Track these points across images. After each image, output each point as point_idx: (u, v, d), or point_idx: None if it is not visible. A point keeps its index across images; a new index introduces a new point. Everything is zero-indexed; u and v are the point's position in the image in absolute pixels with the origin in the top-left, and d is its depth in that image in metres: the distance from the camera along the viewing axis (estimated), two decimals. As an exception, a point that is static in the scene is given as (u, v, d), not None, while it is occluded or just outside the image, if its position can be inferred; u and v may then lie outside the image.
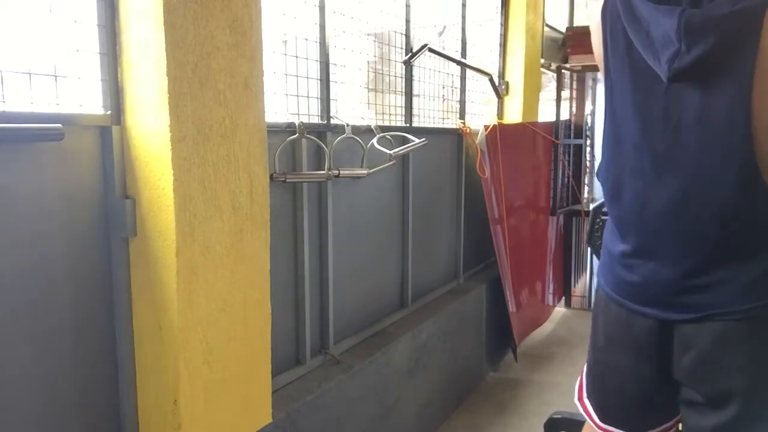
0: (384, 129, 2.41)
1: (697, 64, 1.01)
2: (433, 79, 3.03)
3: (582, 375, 1.47)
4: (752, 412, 1.16)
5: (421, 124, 2.90)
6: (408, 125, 2.75)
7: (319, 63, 2.10)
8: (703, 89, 1.05)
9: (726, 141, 1.05)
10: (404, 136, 2.52)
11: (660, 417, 1.35)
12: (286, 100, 1.98)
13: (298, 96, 2.02)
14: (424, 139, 2.56)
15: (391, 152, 2.33)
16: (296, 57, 2.01)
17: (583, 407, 1.45)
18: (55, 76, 1.31)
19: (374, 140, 2.29)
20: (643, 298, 1.23)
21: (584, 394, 1.45)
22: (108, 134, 1.39)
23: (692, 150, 1.10)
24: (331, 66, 2.14)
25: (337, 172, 2.08)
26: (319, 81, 2.12)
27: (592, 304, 1.42)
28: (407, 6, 2.66)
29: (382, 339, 2.48)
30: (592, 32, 1.26)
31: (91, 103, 1.38)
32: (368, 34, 2.52)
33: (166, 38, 1.31)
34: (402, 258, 2.76)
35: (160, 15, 1.30)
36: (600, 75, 1.28)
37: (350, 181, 2.29)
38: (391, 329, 2.59)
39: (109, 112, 1.39)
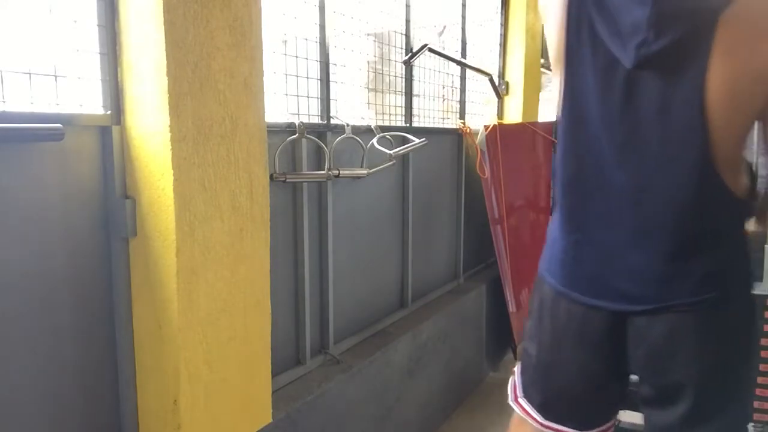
0: (384, 129, 2.41)
1: (662, 53, 1.05)
2: (433, 79, 3.02)
3: (515, 376, 1.44)
4: (703, 405, 1.18)
5: (421, 124, 2.90)
6: (408, 125, 2.75)
7: (319, 63, 2.10)
8: (664, 79, 1.08)
9: (683, 133, 1.09)
10: (404, 136, 2.52)
11: (606, 411, 1.36)
12: (286, 100, 1.98)
13: (298, 96, 2.02)
14: (424, 139, 2.56)
15: (391, 152, 2.33)
16: (296, 57, 2.01)
17: (520, 407, 1.41)
18: (55, 76, 1.31)
19: (374, 140, 2.29)
20: (596, 290, 1.22)
21: (519, 394, 1.42)
22: (108, 134, 1.39)
23: (651, 141, 1.12)
24: (331, 66, 2.14)
25: (337, 172, 2.08)
26: (319, 81, 2.12)
27: (533, 301, 1.38)
28: (407, 6, 2.66)
29: (382, 339, 2.48)
30: (547, 18, 1.25)
31: (91, 103, 1.38)
32: (368, 34, 2.52)
33: (166, 38, 1.31)
34: (402, 258, 2.76)
35: (160, 15, 1.30)
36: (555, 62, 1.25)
37: (350, 181, 2.29)
38: (391, 329, 2.59)
39: (109, 112, 1.39)
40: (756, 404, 1.69)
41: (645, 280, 1.17)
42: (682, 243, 1.14)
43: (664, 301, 1.16)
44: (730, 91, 1.05)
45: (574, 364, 1.30)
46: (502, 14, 3.76)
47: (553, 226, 1.31)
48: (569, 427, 1.34)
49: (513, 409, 1.43)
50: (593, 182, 1.20)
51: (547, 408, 1.37)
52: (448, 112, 3.27)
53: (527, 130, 3.83)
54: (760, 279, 1.72)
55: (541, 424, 1.37)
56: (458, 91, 3.35)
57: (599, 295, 1.22)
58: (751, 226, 1.23)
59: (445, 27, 3.25)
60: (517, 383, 1.43)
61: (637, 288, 1.18)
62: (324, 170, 2.06)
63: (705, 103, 1.05)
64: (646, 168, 1.13)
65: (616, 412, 1.38)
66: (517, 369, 1.45)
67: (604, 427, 1.36)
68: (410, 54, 2.63)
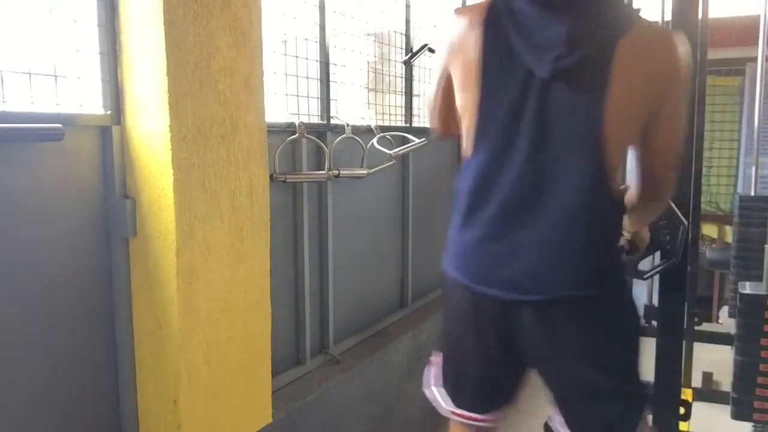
0: (384, 129, 2.41)
1: (573, 67, 1.19)
2: (433, 79, 3.02)
3: (431, 365, 1.56)
4: (593, 388, 1.32)
5: (421, 124, 2.89)
6: (408, 125, 2.75)
7: (319, 63, 2.10)
8: (572, 90, 1.21)
9: (584, 137, 1.22)
10: (404, 136, 2.52)
11: (506, 395, 1.47)
12: (286, 100, 1.98)
13: (298, 96, 2.02)
14: (424, 139, 2.56)
15: (391, 152, 2.33)
16: (296, 57, 2.01)
17: (431, 395, 1.54)
18: (55, 76, 1.31)
19: (374, 140, 2.29)
20: (493, 281, 1.31)
21: (432, 382, 1.54)
22: (108, 134, 1.39)
23: (556, 143, 1.24)
24: (331, 66, 2.14)
25: (337, 172, 2.09)
26: (319, 81, 2.12)
27: (443, 298, 1.50)
28: (407, 6, 2.66)
29: (382, 339, 2.48)
30: (449, 43, 1.36)
31: (91, 103, 1.38)
32: (368, 34, 2.52)
33: (166, 38, 1.31)
34: (402, 258, 2.76)
35: (160, 15, 1.30)
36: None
37: (350, 181, 2.29)
38: (391, 329, 2.59)
39: (109, 112, 1.39)
40: (756, 404, 1.69)
41: (537, 273, 1.26)
42: (574, 241, 1.25)
43: (552, 293, 1.25)
44: (624, 103, 1.19)
45: (473, 350, 1.40)
46: (502, 14, 3.75)
47: (454, 226, 1.42)
48: (471, 411, 1.47)
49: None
50: (500, 182, 1.29)
51: (455, 394, 1.49)
52: (448, 112, 3.27)
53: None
54: (761, 279, 1.72)
55: (452, 412, 1.50)
56: (458, 91, 3.35)
57: (496, 285, 1.31)
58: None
59: (445, 27, 3.24)
60: (432, 373, 1.55)
61: (529, 280, 1.27)
62: (324, 170, 2.06)
63: (604, 112, 1.19)
64: (550, 168, 1.24)
65: (515, 397, 1.48)
66: (433, 359, 1.56)
67: (502, 411, 1.49)
68: (410, 54, 2.63)
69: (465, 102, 1.32)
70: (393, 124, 2.66)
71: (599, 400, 1.32)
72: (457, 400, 1.50)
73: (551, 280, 1.26)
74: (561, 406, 1.39)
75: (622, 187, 1.31)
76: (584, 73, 1.20)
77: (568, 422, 1.38)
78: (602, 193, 1.24)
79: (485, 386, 1.46)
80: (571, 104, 1.23)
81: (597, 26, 1.21)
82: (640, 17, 1.27)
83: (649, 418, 1.55)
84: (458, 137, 1.39)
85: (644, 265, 1.59)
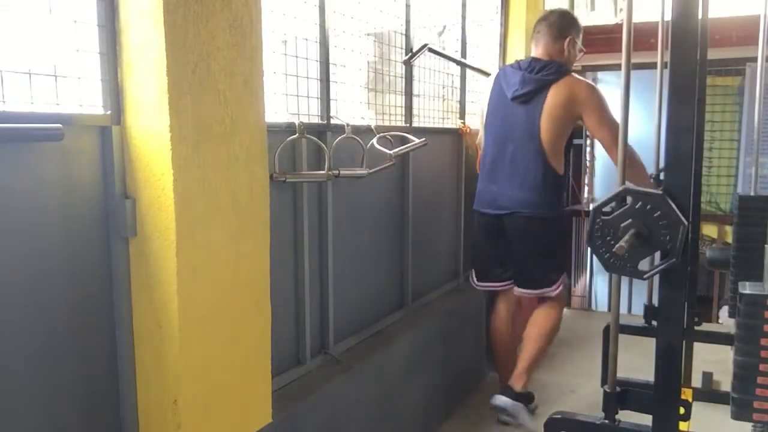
0: (384, 129, 2.41)
1: (523, 95, 2.69)
2: (433, 79, 3.03)
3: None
4: (529, 265, 2.85)
5: (421, 124, 2.90)
6: (408, 125, 2.75)
7: (319, 63, 2.10)
8: (523, 107, 2.71)
9: (530, 134, 2.68)
10: (404, 136, 2.52)
11: (504, 269, 2.92)
12: (286, 100, 1.98)
13: (298, 96, 2.02)
14: (424, 139, 2.57)
15: (391, 152, 2.33)
16: (296, 57, 2.01)
17: (470, 278, 3.05)
18: (55, 76, 1.31)
19: (374, 140, 2.29)
20: (491, 205, 2.83)
21: (472, 276, 3.04)
22: (108, 134, 1.39)
23: (517, 138, 2.72)
24: (331, 66, 2.14)
25: (337, 172, 2.09)
26: (319, 81, 2.12)
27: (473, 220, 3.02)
28: (407, 6, 2.66)
29: (382, 339, 2.48)
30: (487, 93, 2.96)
31: (91, 103, 1.38)
32: (368, 34, 2.52)
33: (166, 38, 1.31)
34: (402, 258, 2.76)
35: (160, 15, 1.30)
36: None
37: (350, 181, 2.29)
38: (391, 329, 2.60)
39: (109, 112, 1.39)
40: (756, 404, 1.69)
41: (507, 201, 2.76)
42: (526, 185, 2.72)
43: (511, 210, 2.75)
44: (551, 116, 2.66)
45: (485, 244, 2.95)
46: (502, 14, 3.76)
47: (479, 181, 2.92)
48: (488, 281, 2.98)
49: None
50: (496, 155, 2.81)
51: (478, 273, 3.01)
52: (448, 112, 3.27)
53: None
54: (761, 279, 1.72)
55: (478, 285, 3.00)
56: (458, 91, 3.35)
57: (490, 207, 2.83)
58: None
59: (445, 27, 3.25)
60: (472, 271, 3.06)
61: (504, 204, 2.77)
62: (324, 170, 2.06)
63: (540, 120, 2.66)
64: (515, 149, 2.73)
65: (510, 276, 2.91)
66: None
67: (505, 283, 2.93)
68: (410, 54, 2.63)
69: (482, 113, 2.99)
70: (393, 124, 2.66)
71: (530, 266, 2.85)
72: (479, 275, 3.00)
73: (512, 205, 2.75)
74: (515, 273, 2.90)
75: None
76: (530, 98, 2.70)
77: (516, 282, 2.91)
78: (540, 163, 2.69)
79: (491, 264, 2.93)
80: (523, 114, 2.72)
81: (538, 77, 2.70)
82: (571, 73, 2.74)
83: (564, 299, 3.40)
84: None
85: (644, 265, 1.59)
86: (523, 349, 2.88)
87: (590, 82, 2.82)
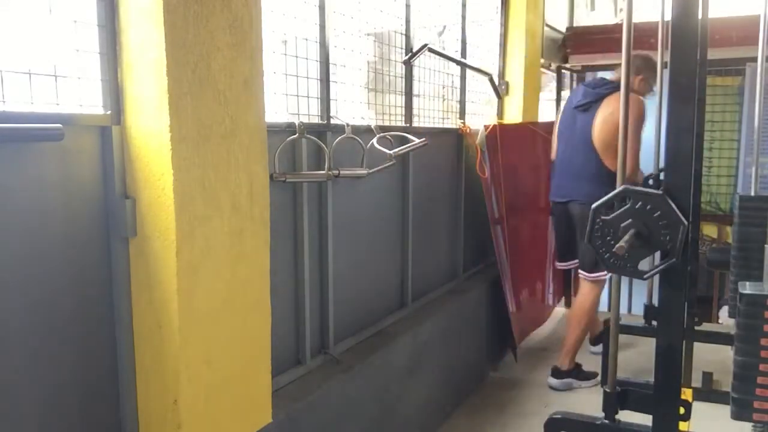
0: (384, 129, 2.41)
1: (583, 105, 3.30)
2: (433, 79, 3.02)
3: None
4: (580, 247, 3.32)
5: (421, 124, 2.90)
6: (408, 125, 2.75)
7: (319, 63, 2.10)
8: (582, 116, 3.30)
9: (586, 137, 3.25)
10: (404, 136, 2.52)
11: (573, 253, 3.44)
12: (286, 100, 1.98)
13: (298, 96, 2.02)
14: (424, 139, 2.56)
15: (391, 152, 2.33)
16: (296, 57, 2.01)
17: (553, 259, 3.87)
18: (55, 76, 1.31)
19: (374, 140, 2.29)
20: (559, 195, 3.41)
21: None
22: (108, 134, 1.39)
23: (576, 139, 3.31)
24: (331, 66, 2.14)
25: (337, 172, 2.08)
26: (319, 81, 2.12)
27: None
28: (407, 6, 2.66)
29: (382, 339, 2.48)
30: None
31: (91, 103, 1.38)
32: (368, 34, 2.52)
33: (166, 38, 1.31)
34: (402, 258, 2.76)
35: (160, 15, 1.30)
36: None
37: (350, 181, 2.29)
38: (391, 329, 2.59)
39: (109, 112, 1.39)
40: (756, 404, 1.69)
41: (569, 189, 3.32)
42: (582, 178, 3.25)
43: (573, 198, 3.30)
44: (602, 122, 3.19)
45: (559, 231, 3.54)
46: (502, 14, 3.76)
47: (551, 178, 3.53)
48: (563, 261, 3.61)
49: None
50: (564, 155, 3.39)
51: (557, 254, 3.68)
52: (448, 112, 3.27)
53: (527, 130, 3.83)
54: (761, 279, 1.72)
55: (558, 265, 3.71)
56: (458, 91, 3.35)
57: (558, 196, 3.42)
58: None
59: (445, 27, 3.25)
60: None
61: (567, 192, 3.34)
62: (324, 170, 2.06)
63: (593, 125, 3.22)
64: (574, 148, 3.31)
65: (576, 255, 3.42)
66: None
67: (573, 261, 3.50)
68: (410, 54, 2.63)
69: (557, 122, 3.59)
70: (393, 124, 2.66)
71: (581, 249, 3.31)
72: (557, 256, 3.67)
73: (571, 193, 3.30)
74: (575, 249, 3.42)
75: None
76: (588, 109, 3.25)
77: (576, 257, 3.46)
78: (593, 161, 3.21)
79: (561, 246, 3.56)
80: (582, 122, 3.27)
81: (596, 91, 3.26)
82: (617, 90, 3.09)
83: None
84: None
85: (644, 265, 1.59)
86: (566, 332, 3.44)
87: (641, 98, 3.19)
